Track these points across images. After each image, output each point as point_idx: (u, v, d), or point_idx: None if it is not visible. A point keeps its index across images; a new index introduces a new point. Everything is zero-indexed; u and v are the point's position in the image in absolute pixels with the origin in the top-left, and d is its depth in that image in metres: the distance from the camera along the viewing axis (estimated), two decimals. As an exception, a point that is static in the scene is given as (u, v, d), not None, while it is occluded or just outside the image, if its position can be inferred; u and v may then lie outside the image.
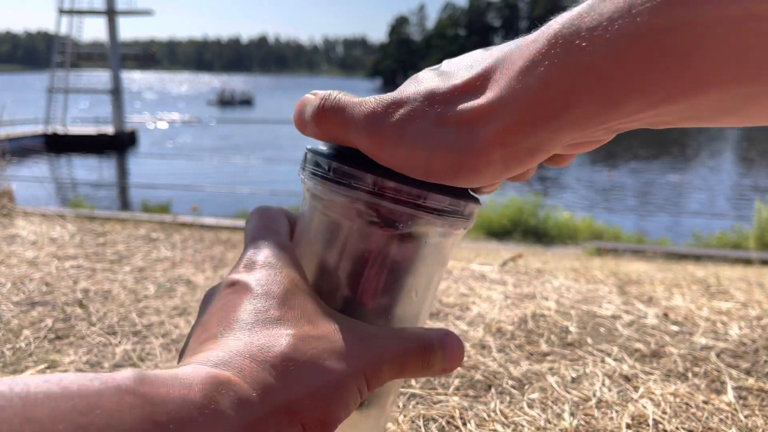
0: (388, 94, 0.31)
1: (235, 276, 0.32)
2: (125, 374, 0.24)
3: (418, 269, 0.33)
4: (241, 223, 3.57)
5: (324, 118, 0.32)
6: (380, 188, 0.30)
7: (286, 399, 0.27)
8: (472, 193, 0.34)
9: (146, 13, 23.21)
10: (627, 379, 0.76)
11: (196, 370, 0.26)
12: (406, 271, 0.33)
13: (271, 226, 0.36)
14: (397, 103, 0.30)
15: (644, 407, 0.68)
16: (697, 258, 3.56)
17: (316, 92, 0.33)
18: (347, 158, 0.31)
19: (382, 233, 0.32)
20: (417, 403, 0.68)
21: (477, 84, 0.29)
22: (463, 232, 0.35)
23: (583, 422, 0.65)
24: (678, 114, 0.26)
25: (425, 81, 0.30)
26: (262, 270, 0.32)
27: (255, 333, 0.29)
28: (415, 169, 0.29)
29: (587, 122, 0.26)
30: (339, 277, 0.33)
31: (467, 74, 0.29)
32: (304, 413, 0.27)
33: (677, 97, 0.24)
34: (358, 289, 0.33)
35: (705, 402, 0.71)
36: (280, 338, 0.29)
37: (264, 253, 0.33)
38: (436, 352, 0.33)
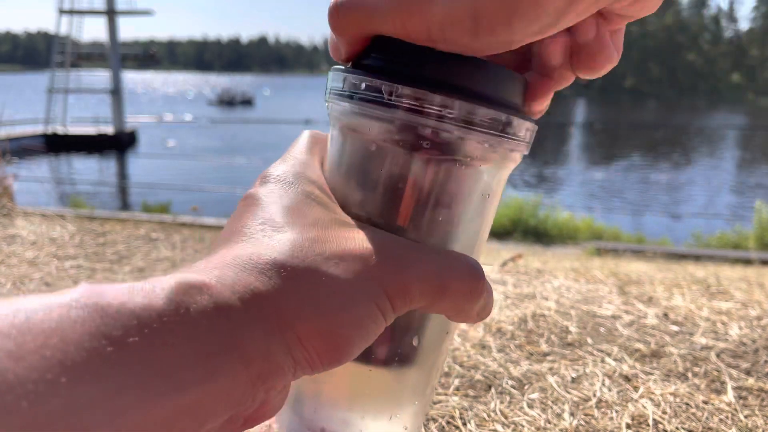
0: None
1: (249, 190, 0.29)
2: (75, 288, 0.21)
3: (467, 200, 0.29)
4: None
5: (342, 11, 0.27)
6: (425, 104, 0.26)
7: (277, 307, 0.23)
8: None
9: (146, 13, 23.23)
10: (627, 379, 0.76)
11: (165, 278, 0.22)
12: (454, 201, 0.28)
13: (306, 145, 0.32)
14: None
15: (644, 407, 0.68)
16: (697, 258, 3.57)
17: None
18: (377, 71, 0.27)
19: (420, 156, 0.27)
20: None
21: None
22: (519, 159, 0.30)
23: (583, 422, 0.65)
24: None
25: None
26: (275, 183, 0.29)
27: (251, 241, 0.25)
28: (460, 23, 0.24)
29: None
30: (373, 209, 0.29)
31: None
32: (300, 326, 0.23)
33: None
34: (393, 222, 0.28)
35: (705, 402, 0.71)
36: (276, 243, 0.25)
37: (281, 168, 0.30)
38: (486, 280, 0.28)
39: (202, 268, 0.24)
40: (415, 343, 0.30)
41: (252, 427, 0.25)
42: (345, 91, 0.28)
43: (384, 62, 0.27)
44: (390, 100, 0.26)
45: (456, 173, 0.28)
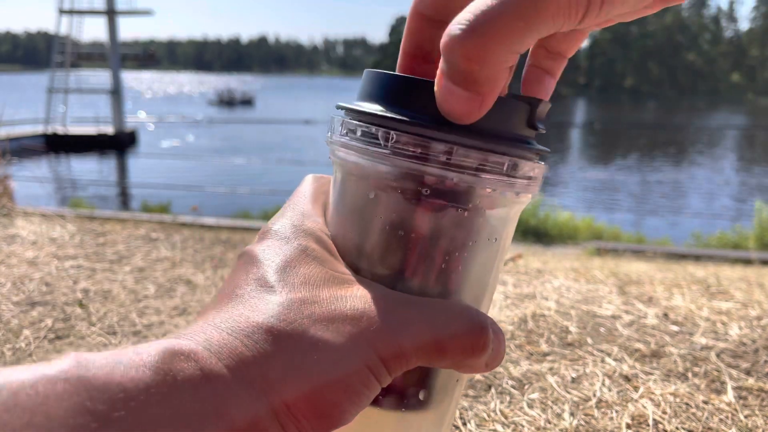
0: None
1: (247, 247, 0.29)
2: (61, 359, 0.20)
3: (472, 246, 0.27)
4: (241, 223, 3.57)
5: (484, 30, 0.22)
6: (423, 151, 0.25)
7: (263, 373, 0.22)
8: (538, 147, 0.28)
9: (146, 13, 23.21)
10: (627, 379, 0.76)
11: (152, 344, 0.22)
12: (458, 248, 0.27)
13: (308, 193, 0.31)
14: None
15: (644, 407, 0.68)
16: (697, 258, 3.56)
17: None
18: (386, 119, 0.26)
19: (420, 203, 0.26)
20: (417, 403, 0.68)
21: None
22: (529, 198, 0.29)
23: (583, 422, 0.65)
24: None
25: None
26: (272, 239, 0.28)
27: (240, 302, 0.25)
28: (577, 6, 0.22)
29: None
30: (375, 258, 0.27)
31: None
32: (287, 392, 0.22)
33: None
34: (396, 272, 0.27)
35: (705, 402, 0.71)
36: (264, 306, 0.24)
37: (280, 223, 0.29)
38: (488, 335, 0.26)
39: (190, 332, 0.23)
40: (422, 394, 0.29)
41: None
42: (343, 135, 0.27)
43: (384, 104, 0.26)
44: (387, 146, 0.25)
45: (459, 220, 0.27)
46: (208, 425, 0.21)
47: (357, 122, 0.27)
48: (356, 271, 0.28)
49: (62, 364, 0.20)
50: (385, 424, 0.29)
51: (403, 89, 0.26)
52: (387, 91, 0.27)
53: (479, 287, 0.29)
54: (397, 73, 0.28)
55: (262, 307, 0.24)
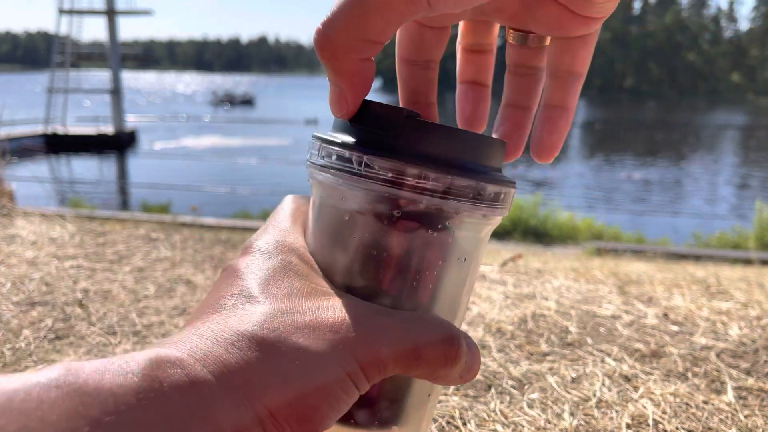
0: None
1: (231, 262, 0.30)
2: (53, 367, 0.21)
3: (442, 265, 0.29)
4: (241, 223, 3.57)
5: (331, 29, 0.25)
6: (395, 175, 0.27)
7: (246, 379, 0.23)
8: (505, 177, 0.30)
9: (146, 13, 23.21)
10: (627, 379, 0.76)
11: (139, 353, 0.23)
12: (428, 267, 0.29)
13: (289, 212, 0.32)
14: None
15: (644, 407, 0.68)
16: (697, 258, 3.57)
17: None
18: (360, 144, 0.28)
19: (393, 225, 0.28)
20: (417, 403, 0.68)
21: None
22: (497, 221, 0.31)
23: (583, 422, 0.65)
24: None
25: None
26: (254, 254, 0.29)
27: (224, 313, 0.25)
28: None
29: None
30: (351, 275, 0.29)
31: None
32: (269, 397, 0.23)
33: None
34: (371, 288, 0.29)
35: (705, 402, 0.71)
36: (248, 315, 0.25)
37: (263, 239, 0.30)
38: (462, 346, 0.28)
39: (176, 340, 0.24)
40: (396, 406, 0.30)
41: None
42: (319, 159, 0.29)
43: (359, 131, 0.28)
44: (360, 170, 0.27)
45: (428, 241, 0.28)
46: (194, 429, 0.22)
47: (333, 148, 0.28)
48: (334, 286, 0.29)
49: (53, 371, 0.21)
50: None
51: (378, 118, 0.28)
52: (364, 120, 0.28)
53: (450, 304, 0.31)
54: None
55: (245, 316, 0.25)
